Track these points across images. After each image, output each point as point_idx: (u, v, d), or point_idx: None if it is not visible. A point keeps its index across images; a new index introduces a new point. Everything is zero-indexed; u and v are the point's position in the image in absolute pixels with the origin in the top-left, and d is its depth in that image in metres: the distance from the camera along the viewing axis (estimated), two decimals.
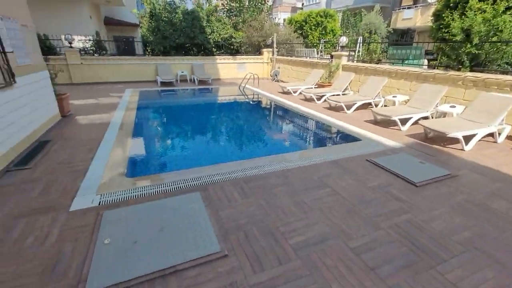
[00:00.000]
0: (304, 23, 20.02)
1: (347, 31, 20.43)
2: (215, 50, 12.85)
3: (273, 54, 12.67)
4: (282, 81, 12.19)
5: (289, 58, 11.67)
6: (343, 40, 8.31)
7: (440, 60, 6.78)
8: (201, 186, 3.01)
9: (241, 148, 4.71)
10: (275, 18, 34.12)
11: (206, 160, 4.06)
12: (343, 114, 6.42)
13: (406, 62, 7.49)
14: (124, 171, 3.33)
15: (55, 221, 2.39)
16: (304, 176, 3.26)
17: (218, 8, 13.93)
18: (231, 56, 12.69)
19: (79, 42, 10.85)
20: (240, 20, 13.40)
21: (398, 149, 4.18)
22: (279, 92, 9.34)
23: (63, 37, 10.58)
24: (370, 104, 6.94)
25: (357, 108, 6.72)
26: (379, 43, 8.36)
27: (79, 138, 4.50)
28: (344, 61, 8.41)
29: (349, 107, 6.61)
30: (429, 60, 8.22)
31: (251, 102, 8.82)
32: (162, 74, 11.13)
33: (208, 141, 5.07)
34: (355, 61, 8.35)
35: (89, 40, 10.73)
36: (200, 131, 5.76)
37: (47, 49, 10.16)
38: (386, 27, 19.93)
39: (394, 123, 5.30)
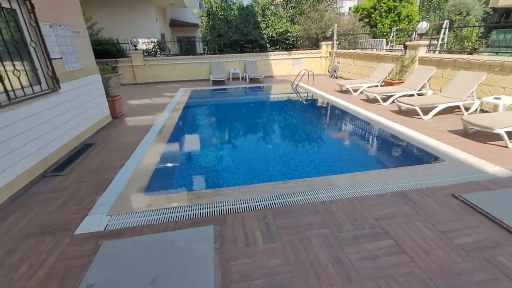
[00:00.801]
0: (372, 10, 17.69)
1: (427, 16, 17.27)
2: (269, 46, 12.24)
3: (332, 48, 11.37)
4: (341, 77, 10.85)
5: (350, 51, 10.25)
6: (423, 26, 6.67)
7: None
8: (219, 215, 2.46)
9: (279, 163, 3.95)
10: (340, 7, 31.57)
11: (235, 175, 3.52)
12: (417, 120, 5.06)
13: None
14: (145, 185, 3.04)
15: (56, 246, 2.17)
16: (354, 213, 2.40)
17: (275, 1, 13.25)
18: (285, 52, 11.90)
19: (142, 44, 11.64)
20: (298, 12, 12.42)
21: (505, 180, 2.87)
22: (336, 91, 8.20)
23: (141, 40, 11.53)
24: (457, 108, 5.34)
25: (438, 113, 5.24)
26: (475, 26, 6.39)
27: (118, 142, 4.51)
28: (421, 52, 6.76)
29: (426, 111, 5.18)
30: None
31: (301, 103, 7.95)
32: (215, 73, 11.12)
33: (243, 152, 4.50)
34: (438, 52, 6.61)
35: (151, 42, 11.40)
36: (239, 137, 5.27)
37: (118, 52, 11.19)
38: (483, 6, 16.06)
39: (495, 137, 3.82)
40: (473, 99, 5.30)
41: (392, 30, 12.03)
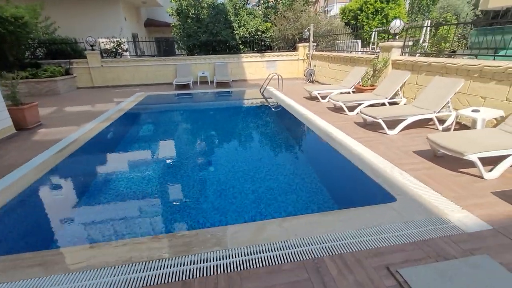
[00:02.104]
0: (359, 12, 17.01)
1: (416, 18, 16.59)
2: (243, 47, 11.37)
3: (309, 50, 10.53)
4: (318, 82, 10.01)
5: (326, 53, 9.40)
6: (396, 24, 5.82)
7: None
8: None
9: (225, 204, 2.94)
10: (331, 10, 31.07)
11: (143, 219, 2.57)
12: (381, 136, 4.17)
13: (501, 53, 4.66)
14: None
15: None
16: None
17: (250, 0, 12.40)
18: (258, 54, 11.03)
19: (105, 44, 10.67)
20: (273, 11, 11.58)
21: (470, 238, 1.96)
22: (304, 98, 7.32)
23: (100, 40, 10.56)
24: (431, 120, 4.47)
25: (408, 127, 4.36)
26: (453, 24, 5.55)
27: (1, 164, 3.54)
28: (395, 54, 5.91)
29: (393, 125, 4.30)
30: None
31: (261, 113, 7.05)
32: (180, 76, 10.20)
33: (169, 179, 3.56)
34: (409, 54, 5.75)
35: (111, 42, 10.44)
36: (169, 159, 4.32)
37: (74, 52, 10.22)
38: (472, 8, 15.43)
39: (469, 162, 2.94)
40: (449, 111, 4.44)
41: (373, 31, 11.22)
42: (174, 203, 2.82)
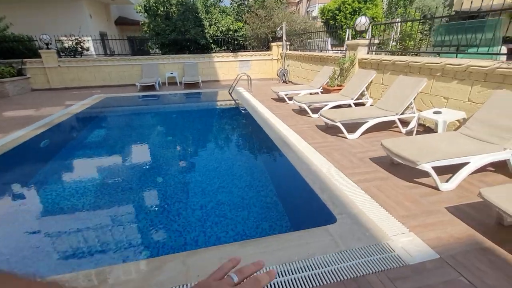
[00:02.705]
0: (337, 12, 16.93)
1: (393, 18, 16.70)
2: (214, 46, 10.89)
3: (283, 49, 10.18)
4: (291, 82, 9.68)
5: (298, 53, 9.08)
6: (361, 21, 5.53)
7: None
8: None
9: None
10: (313, 10, 31.11)
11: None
12: (340, 141, 3.83)
13: (468, 51, 4.42)
14: None
15: None
16: None
17: None
18: (231, 53, 10.58)
19: (65, 42, 9.89)
20: (245, 9, 11.18)
21: (413, 275, 1.60)
22: (272, 99, 6.94)
23: (63, 38, 9.76)
24: (395, 122, 4.17)
25: (371, 130, 4.05)
26: (417, 20, 5.32)
27: None
28: (361, 53, 5.62)
29: (354, 128, 3.97)
30: (510, 49, 5.05)
31: (225, 116, 6.63)
32: (147, 76, 9.60)
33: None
34: (375, 52, 5.48)
35: (71, 40, 9.68)
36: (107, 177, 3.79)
37: (28, 51, 9.40)
38: (447, 9, 15.66)
39: (426, 173, 2.61)
40: (412, 112, 4.16)
41: (346, 30, 11.02)
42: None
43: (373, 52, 5.61)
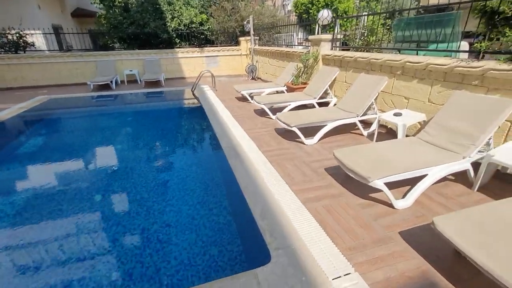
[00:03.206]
0: (310, 6, 16.66)
1: (364, 12, 16.69)
2: (178, 41, 10.18)
3: (252, 44, 9.71)
4: (260, 79, 9.27)
5: (266, 48, 8.65)
6: (323, 15, 5.19)
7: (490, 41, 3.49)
8: None
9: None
10: (288, 3, 30.72)
11: None
12: (296, 147, 3.48)
13: (429, 47, 4.19)
14: None
15: None
16: None
17: None
18: (197, 48, 9.94)
19: (4, 37, 8.72)
20: (212, 1, 10.54)
21: None
22: (236, 98, 6.49)
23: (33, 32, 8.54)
24: (356, 125, 3.88)
25: (332, 133, 3.73)
26: (382, 13, 5.06)
27: None
28: (325, 49, 5.30)
29: (313, 132, 3.63)
30: (471, 44, 4.90)
31: (184, 118, 6.10)
32: (102, 74, 8.74)
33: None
34: (339, 48, 5.17)
35: (11, 34, 8.54)
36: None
37: None
38: (416, 3, 15.90)
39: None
40: (374, 113, 3.90)
41: (316, 23, 10.75)
42: None
43: (337, 48, 5.31)
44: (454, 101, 2.71)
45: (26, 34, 8.73)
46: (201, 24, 10.12)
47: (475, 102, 2.54)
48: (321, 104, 5.03)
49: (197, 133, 5.12)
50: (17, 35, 8.51)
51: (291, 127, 3.46)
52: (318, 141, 3.62)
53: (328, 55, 5.09)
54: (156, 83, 8.70)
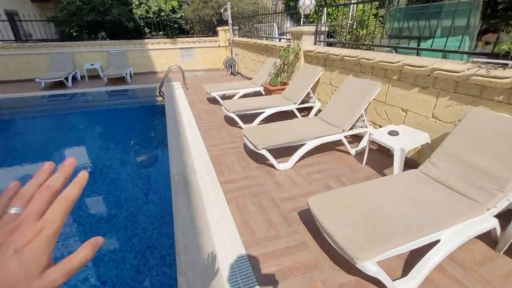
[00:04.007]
0: None
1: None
2: (148, 30, 9.07)
3: (230, 35, 8.74)
4: (240, 74, 8.39)
5: (245, 39, 7.73)
6: (306, 3, 4.34)
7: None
8: None
9: None
10: None
11: None
12: (266, 174, 2.72)
13: (432, 45, 3.44)
14: None
15: None
16: None
17: None
18: (169, 39, 8.88)
19: None
20: None
21: None
22: (208, 99, 5.63)
23: None
24: (341, 142, 3.15)
25: (312, 152, 3.00)
26: (367, 2, 4.19)
27: None
28: (307, 43, 4.49)
29: (287, 151, 2.88)
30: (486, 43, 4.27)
31: (145, 127, 5.22)
32: (56, 69, 7.61)
33: None
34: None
35: None
36: None
37: None
38: None
39: None
40: (364, 125, 3.17)
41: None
42: None
43: (322, 43, 4.51)
44: (471, 121, 2.00)
45: None
46: (173, 11, 9.03)
47: (501, 126, 1.83)
48: (302, 110, 4.27)
49: (148, 150, 4.25)
50: None
51: (259, 150, 2.68)
52: (294, 164, 2.87)
53: (311, 51, 4.29)
54: (120, 80, 7.67)
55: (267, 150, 2.73)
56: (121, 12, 8.14)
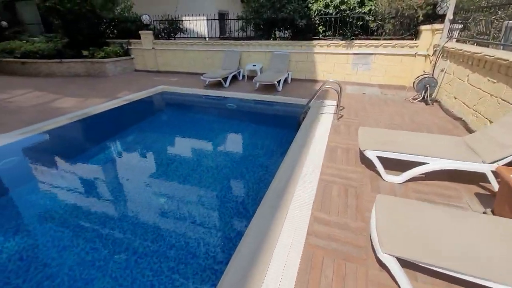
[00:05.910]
0: None
1: None
2: (322, 29, 7.44)
3: (442, 37, 5.47)
4: (439, 105, 5.16)
5: (471, 49, 4.29)
6: None
7: None
8: None
9: None
10: None
11: None
12: None
13: None
14: None
15: None
16: None
17: None
18: (343, 42, 6.84)
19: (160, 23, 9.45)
20: None
21: None
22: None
23: (188, 18, 9.48)
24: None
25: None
26: None
27: None
28: None
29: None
30: None
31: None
32: (225, 67, 7.76)
33: None
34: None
35: (168, 20, 9.06)
36: None
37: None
38: None
39: None
40: None
41: None
42: None
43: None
44: None
45: (180, 20, 9.04)
46: (361, 3, 6.78)
47: None
48: None
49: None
50: (171, 22, 8.95)
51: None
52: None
53: None
54: (272, 88, 6.67)
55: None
56: (295, 8, 6.97)
